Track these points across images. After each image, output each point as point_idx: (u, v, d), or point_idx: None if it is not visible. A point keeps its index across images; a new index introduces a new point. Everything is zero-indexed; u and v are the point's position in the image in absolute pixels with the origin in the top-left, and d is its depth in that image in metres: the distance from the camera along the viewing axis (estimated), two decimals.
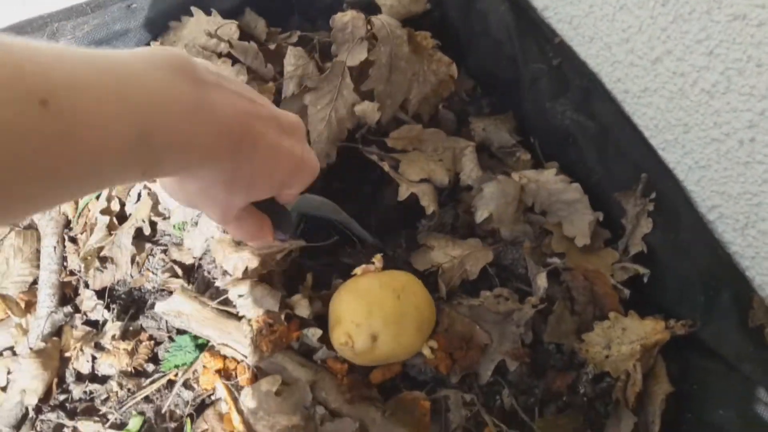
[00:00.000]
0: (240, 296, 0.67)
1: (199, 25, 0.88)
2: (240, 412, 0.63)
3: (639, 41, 0.70)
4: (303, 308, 0.66)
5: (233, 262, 0.68)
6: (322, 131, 0.80)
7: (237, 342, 0.66)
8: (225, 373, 0.66)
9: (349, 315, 0.63)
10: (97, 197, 0.80)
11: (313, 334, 0.65)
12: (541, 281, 0.70)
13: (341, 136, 0.80)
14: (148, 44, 0.93)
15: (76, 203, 0.81)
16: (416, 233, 0.79)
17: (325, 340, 0.66)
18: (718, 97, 0.63)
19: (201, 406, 0.67)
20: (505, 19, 0.83)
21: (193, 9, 0.89)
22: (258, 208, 0.53)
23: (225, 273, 0.71)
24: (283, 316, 0.65)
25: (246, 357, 0.65)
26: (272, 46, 0.89)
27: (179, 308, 0.68)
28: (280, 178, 0.47)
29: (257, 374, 0.66)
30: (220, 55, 0.87)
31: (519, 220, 0.76)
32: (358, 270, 0.67)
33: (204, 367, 0.66)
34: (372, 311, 0.62)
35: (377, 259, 0.67)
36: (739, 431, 0.63)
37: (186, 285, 0.70)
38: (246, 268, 0.67)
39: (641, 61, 0.71)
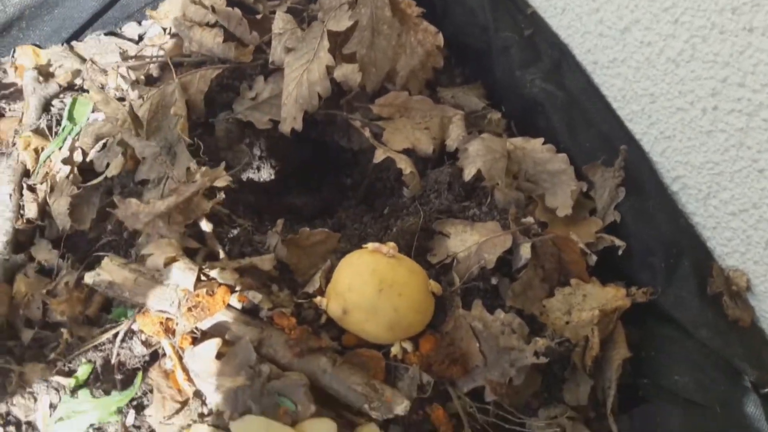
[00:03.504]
0: (158, 272, 0.65)
1: None
2: (185, 369, 0.62)
3: (608, 11, 0.71)
4: (227, 277, 0.63)
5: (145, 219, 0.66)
6: (292, 91, 0.79)
7: (172, 307, 0.64)
8: (168, 329, 0.64)
9: (335, 280, 0.64)
10: (60, 147, 0.79)
11: (254, 297, 0.63)
12: (525, 251, 0.69)
13: (311, 101, 0.79)
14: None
15: (37, 152, 0.79)
16: (400, 201, 0.78)
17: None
18: (683, 65, 0.64)
19: (153, 361, 0.66)
20: None
21: None
22: None
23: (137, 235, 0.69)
24: (205, 291, 0.63)
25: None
26: (259, 16, 0.89)
27: (108, 278, 0.65)
28: None
29: (197, 336, 0.64)
30: (207, 25, 0.87)
31: (511, 185, 0.75)
32: (369, 245, 0.65)
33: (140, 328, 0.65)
34: (351, 290, 0.62)
35: (390, 246, 0.65)
36: (693, 396, 0.63)
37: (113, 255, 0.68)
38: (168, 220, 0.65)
39: (610, 32, 0.72)
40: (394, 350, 0.65)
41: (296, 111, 0.79)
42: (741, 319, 0.64)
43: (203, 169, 0.70)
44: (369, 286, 0.61)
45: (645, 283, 0.69)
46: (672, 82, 0.66)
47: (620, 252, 0.70)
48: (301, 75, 0.79)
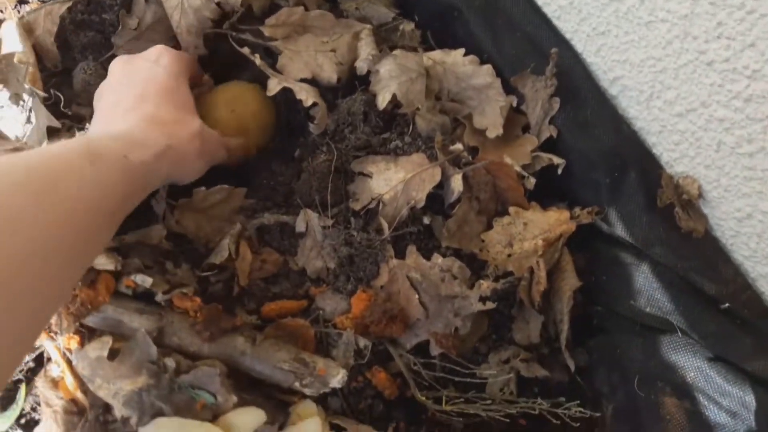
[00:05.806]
0: None
1: None
2: (75, 375, 0.52)
3: None
4: (106, 262, 0.52)
5: None
6: (179, 21, 0.67)
7: None
8: (51, 328, 0.53)
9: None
10: None
11: (143, 281, 0.53)
12: (456, 184, 0.61)
13: (204, 24, 0.68)
14: None
15: None
16: (310, 140, 0.68)
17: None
18: None
19: (38, 368, 0.55)
20: None
21: None
22: None
23: None
24: (81, 283, 0.52)
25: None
26: None
27: None
28: None
29: (86, 334, 0.54)
30: None
31: (434, 109, 0.66)
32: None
33: None
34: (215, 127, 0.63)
35: (204, 79, 0.69)
36: (649, 320, 0.58)
37: None
38: None
39: None
40: None
41: (195, 38, 0.68)
42: (695, 230, 0.59)
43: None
44: (223, 116, 0.65)
45: (589, 202, 0.63)
46: None
47: (560, 170, 0.63)
48: (181, 1, 0.66)
